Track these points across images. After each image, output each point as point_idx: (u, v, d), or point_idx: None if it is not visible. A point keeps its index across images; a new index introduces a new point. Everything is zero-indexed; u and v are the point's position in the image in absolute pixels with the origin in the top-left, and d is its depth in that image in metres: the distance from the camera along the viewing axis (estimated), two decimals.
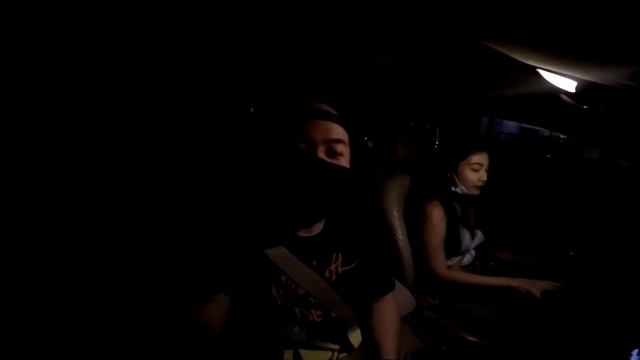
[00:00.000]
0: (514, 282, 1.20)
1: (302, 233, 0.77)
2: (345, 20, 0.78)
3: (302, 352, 0.77)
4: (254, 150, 0.76)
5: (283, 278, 0.74)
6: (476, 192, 1.32)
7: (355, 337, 0.86)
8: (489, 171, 1.33)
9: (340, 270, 0.80)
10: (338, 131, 0.70)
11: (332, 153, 0.70)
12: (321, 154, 0.68)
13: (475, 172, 1.30)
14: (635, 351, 0.69)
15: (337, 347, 0.82)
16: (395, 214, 1.32)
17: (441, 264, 1.28)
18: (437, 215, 1.28)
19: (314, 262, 0.77)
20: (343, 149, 0.71)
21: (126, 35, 1.04)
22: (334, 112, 0.72)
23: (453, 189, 1.33)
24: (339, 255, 0.80)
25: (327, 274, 0.78)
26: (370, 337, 0.85)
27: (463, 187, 1.32)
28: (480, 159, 1.30)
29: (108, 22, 0.93)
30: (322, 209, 0.74)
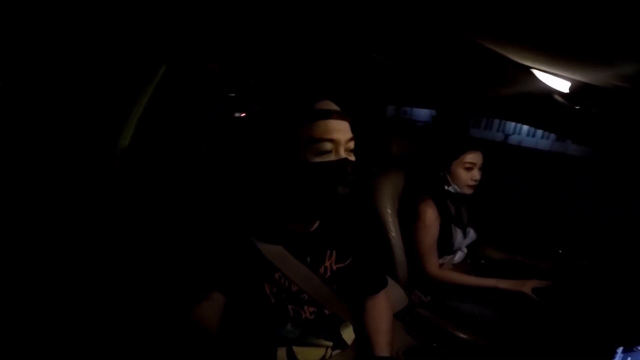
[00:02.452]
0: (502, 284, 1.22)
1: (298, 230, 0.77)
2: (344, 20, 0.77)
3: (296, 349, 0.77)
4: (260, 151, 0.75)
5: (277, 275, 0.74)
6: (469, 191, 1.31)
7: (348, 334, 0.87)
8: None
9: (334, 267, 0.80)
10: (349, 129, 0.73)
11: (349, 151, 0.72)
12: (344, 153, 0.70)
13: (468, 171, 1.28)
14: (620, 349, 0.70)
15: (330, 344, 0.82)
16: (389, 211, 1.32)
17: (434, 264, 1.29)
18: (430, 217, 1.28)
19: (308, 259, 0.77)
20: (353, 145, 0.73)
21: (127, 34, 1.03)
22: (339, 109, 0.73)
23: (446, 188, 1.33)
24: (333, 252, 0.80)
25: (321, 270, 0.79)
26: (363, 334, 0.86)
27: (456, 186, 1.32)
28: (473, 158, 1.28)
29: (109, 21, 0.92)
30: (334, 207, 0.74)
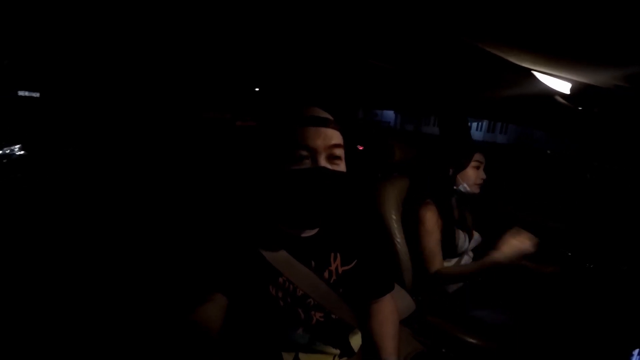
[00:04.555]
0: (501, 258, 1.13)
1: (300, 234, 0.77)
2: (345, 25, 0.78)
3: (303, 356, 0.76)
4: (256, 157, 0.76)
5: (281, 279, 0.74)
6: (477, 190, 1.35)
7: (356, 341, 0.86)
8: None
9: (340, 270, 0.80)
10: (336, 136, 0.72)
11: (332, 158, 0.71)
12: (323, 161, 0.69)
13: (477, 169, 1.34)
14: (636, 351, 0.69)
15: (337, 351, 0.81)
16: (393, 217, 1.32)
17: (436, 264, 1.27)
18: (431, 220, 1.28)
19: (313, 263, 0.77)
20: (341, 152, 0.72)
21: (133, 45, 1.05)
22: (329, 116, 0.73)
23: (456, 188, 1.34)
24: (338, 255, 0.80)
25: (326, 274, 0.78)
26: (369, 339, 0.85)
27: (466, 185, 1.34)
28: (480, 157, 1.35)
29: (117, 30, 0.94)
30: (322, 214, 0.75)
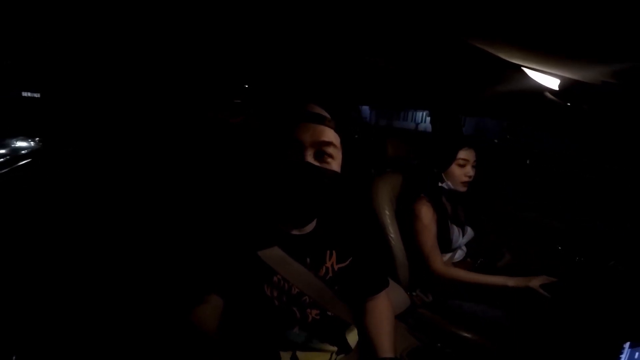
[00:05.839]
0: (510, 282, 1.19)
1: (295, 231, 0.77)
2: (337, 22, 0.78)
3: (300, 354, 0.76)
4: (248, 153, 0.76)
5: (276, 278, 0.74)
6: (463, 188, 1.34)
7: (352, 338, 0.86)
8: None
9: (335, 267, 0.80)
10: (328, 134, 0.70)
11: (322, 155, 0.69)
12: (310, 157, 0.68)
13: (461, 167, 1.32)
14: (628, 344, 0.70)
15: (334, 348, 0.82)
16: (387, 212, 1.33)
17: (439, 261, 1.28)
18: (426, 215, 1.29)
19: (308, 260, 0.77)
20: (333, 151, 0.70)
21: (135, 46, 1.04)
22: (326, 114, 0.71)
23: (440, 184, 1.35)
24: (334, 252, 0.80)
25: (322, 271, 0.78)
26: (366, 336, 0.85)
27: (449, 183, 1.34)
28: (466, 154, 1.32)
29: (122, 32, 0.93)
30: (311, 211, 0.75)
